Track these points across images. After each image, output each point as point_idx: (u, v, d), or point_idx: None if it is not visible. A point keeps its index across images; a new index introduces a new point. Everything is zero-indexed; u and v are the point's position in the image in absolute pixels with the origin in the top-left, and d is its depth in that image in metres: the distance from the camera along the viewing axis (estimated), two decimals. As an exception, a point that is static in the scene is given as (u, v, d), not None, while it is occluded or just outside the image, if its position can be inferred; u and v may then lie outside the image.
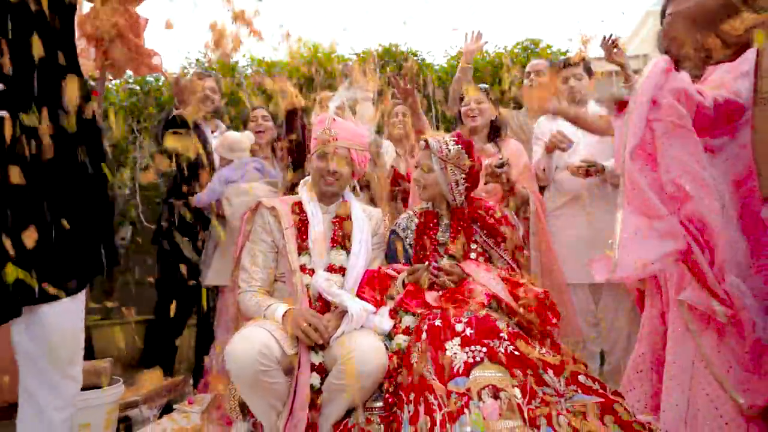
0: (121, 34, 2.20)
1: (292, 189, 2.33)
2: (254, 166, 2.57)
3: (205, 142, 2.77)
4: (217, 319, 2.57)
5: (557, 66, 2.77)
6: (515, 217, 2.20)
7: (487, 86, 2.73)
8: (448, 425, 1.29)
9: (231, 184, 2.46)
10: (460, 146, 1.82)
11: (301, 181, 1.93)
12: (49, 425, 1.35)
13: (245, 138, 2.62)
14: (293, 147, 2.62)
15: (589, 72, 2.68)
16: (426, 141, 1.88)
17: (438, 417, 1.32)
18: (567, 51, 4.01)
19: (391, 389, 1.51)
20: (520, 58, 3.99)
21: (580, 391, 1.39)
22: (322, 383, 1.56)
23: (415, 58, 3.96)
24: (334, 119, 1.84)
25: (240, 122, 3.08)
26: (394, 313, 1.69)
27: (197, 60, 4.10)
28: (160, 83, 3.99)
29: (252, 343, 1.45)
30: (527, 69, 3.08)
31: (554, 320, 1.72)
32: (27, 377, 1.34)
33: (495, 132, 2.62)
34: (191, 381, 2.65)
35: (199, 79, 2.84)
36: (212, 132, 2.88)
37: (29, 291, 1.20)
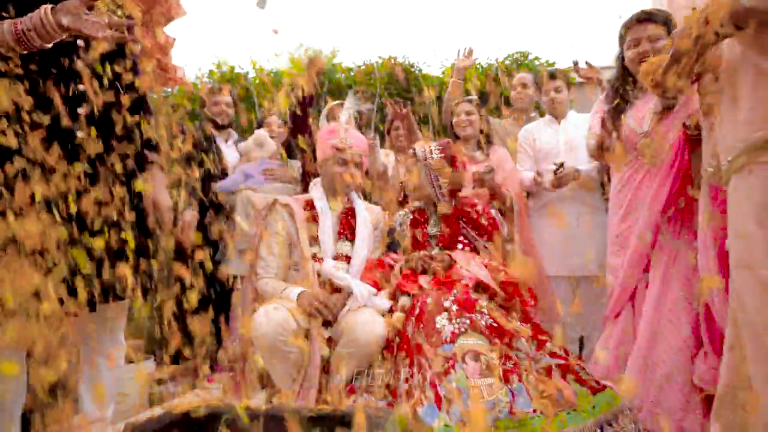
0: (151, 54, 2.49)
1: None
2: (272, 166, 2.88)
3: (218, 152, 3.03)
4: (234, 305, 2.83)
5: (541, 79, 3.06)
6: (500, 215, 2.48)
7: (476, 98, 3.01)
8: (437, 381, 1.57)
9: (249, 180, 2.77)
10: (442, 155, 2.11)
11: (312, 182, 2.21)
12: (101, 381, 1.69)
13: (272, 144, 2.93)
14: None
15: (567, 84, 2.97)
16: (414, 150, 2.17)
17: (429, 375, 1.59)
18: (554, 63, 4.30)
19: (390, 357, 1.78)
20: (510, 69, 4.28)
21: (547, 356, 1.67)
22: (331, 353, 1.84)
23: (413, 69, 4.25)
24: (346, 129, 2.13)
25: (252, 129, 3.34)
26: (392, 295, 1.97)
27: (210, 71, 4.38)
28: (174, 91, 4.26)
29: (273, 317, 1.73)
30: (514, 82, 3.36)
31: (531, 302, 2.00)
32: (89, 347, 1.68)
33: (484, 139, 2.90)
34: (210, 363, 2.91)
35: (214, 94, 3.09)
36: (225, 141, 3.14)
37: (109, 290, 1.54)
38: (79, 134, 1.50)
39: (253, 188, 2.79)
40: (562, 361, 1.66)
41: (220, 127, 3.10)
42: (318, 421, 0.96)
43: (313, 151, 2.51)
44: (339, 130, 2.11)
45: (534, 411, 1.53)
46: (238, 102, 3.25)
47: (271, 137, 2.99)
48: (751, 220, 1.21)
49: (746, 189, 1.25)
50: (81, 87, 1.52)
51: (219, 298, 2.92)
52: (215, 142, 3.06)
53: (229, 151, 3.10)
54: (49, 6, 1.30)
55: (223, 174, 2.98)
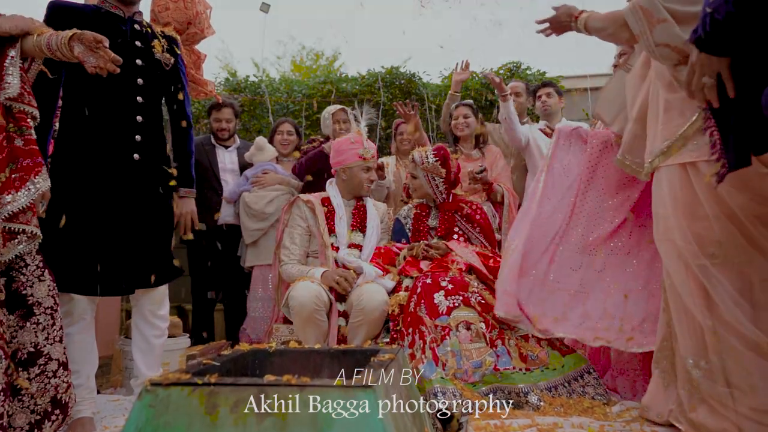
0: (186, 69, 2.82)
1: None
2: (267, 168, 3.20)
3: (214, 159, 3.26)
4: (251, 292, 3.16)
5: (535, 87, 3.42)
6: (492, 208, 2.83)
7: (472, 102, 3.35)
8: (435, 345, 1.91)
9: (247, 184, 3.11)
10: (437, 159, 2.45)
11: (328, 182, 2.56)
12: (151, 347, 2.05)
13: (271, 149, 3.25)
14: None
15: (558, 92, 3.32)
16: (412, 156, 2.51)
17: (428, 340, 1.93)
18: (545, 72, 4.63)
19: (396, 328, 2.12)
20: (504, 77, 4.61)
21: (525, 325, 2.01)
22: (345, 324, 2.18)
23: (414, 78, 4.57)
24: (366, 139, 2.46)
25: (267, 135, 3.65)
26: (397, 277, 2.31)
27: (226, 79, 4.71)
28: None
29: (309, 290, 2.08)
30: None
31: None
32: (138, 320, 2.02)
33: (479, 140, 3.24)
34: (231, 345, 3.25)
35: (216, 111, 3.28)
36: (226, 148, 3.35)
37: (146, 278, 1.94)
38: (135, 156, 1.94)
39: (249, 190, 3.11)
40: (538, 330, 2.00)
41: (220, 139, 3.33)
42: (348, 355, 1.30)
43: (323, 155, 2.85)
44: (362, 140, 2.46)
45: (513, 368, 1.88)
46: (239, 113, 3.47)
47: (284, 144, 3.31)
48: (667, 205, 1.57)
49: (660, 182, 1.61)
50: (138, 118, 1.95)
51: (239, 286, 3.25)
52: (214, 149, 3.30)
53: (229, 156, 3.34)
54: (71, 32, 1.58)
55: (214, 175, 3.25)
